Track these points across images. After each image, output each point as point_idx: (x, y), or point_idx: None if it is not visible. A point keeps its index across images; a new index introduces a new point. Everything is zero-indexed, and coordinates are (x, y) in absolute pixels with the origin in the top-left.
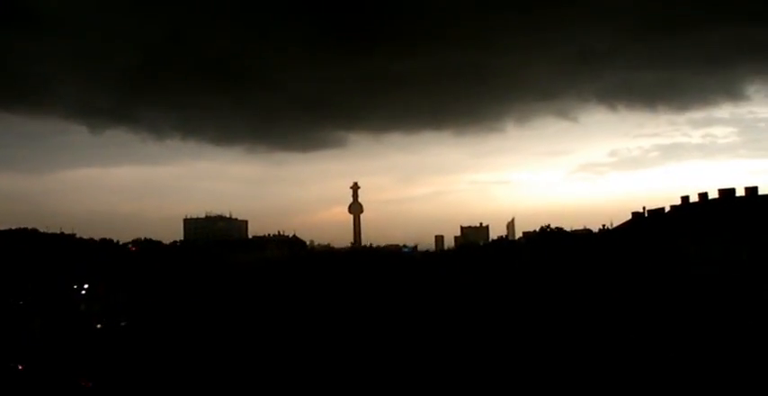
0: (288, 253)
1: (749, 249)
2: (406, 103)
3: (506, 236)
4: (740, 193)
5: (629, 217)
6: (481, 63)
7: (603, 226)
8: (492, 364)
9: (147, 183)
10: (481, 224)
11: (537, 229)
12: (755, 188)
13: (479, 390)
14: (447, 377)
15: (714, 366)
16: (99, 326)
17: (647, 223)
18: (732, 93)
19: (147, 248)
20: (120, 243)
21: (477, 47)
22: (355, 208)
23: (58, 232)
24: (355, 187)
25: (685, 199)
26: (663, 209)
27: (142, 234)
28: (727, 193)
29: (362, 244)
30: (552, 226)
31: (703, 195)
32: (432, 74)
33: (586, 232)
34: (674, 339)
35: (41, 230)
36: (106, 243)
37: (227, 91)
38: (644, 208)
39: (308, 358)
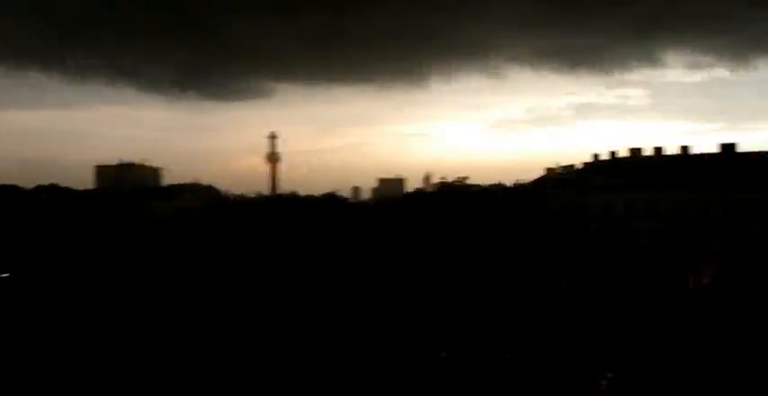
0: (202, 202)
1: (650, 206)
2: (337, 58)
3: (423, 188)
4: (648, 152)
5: (544, 172)
6: (416, 21)
7: (517, 181)
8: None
9: (61, 128)
10: (398, 176)
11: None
12: (660, 148)
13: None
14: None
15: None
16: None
17: (558, 179)
18: (649, 59)
19: (54, 195)
20: (27, 188)
21: (414, 6)
22: (272, 158)
23: None
24: (273, 137)
25: (596, 156)
26: (572, 165)
27: (52, 181)
28: (635, 153)
29: (279, 194)
30: (473, 180)
31: (613, 153)
32: (366, 30)
33: (500, 187)
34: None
35: None
36: (10, 189)
37: (157, 35)
38: (557, 164)
39: (224, 309)
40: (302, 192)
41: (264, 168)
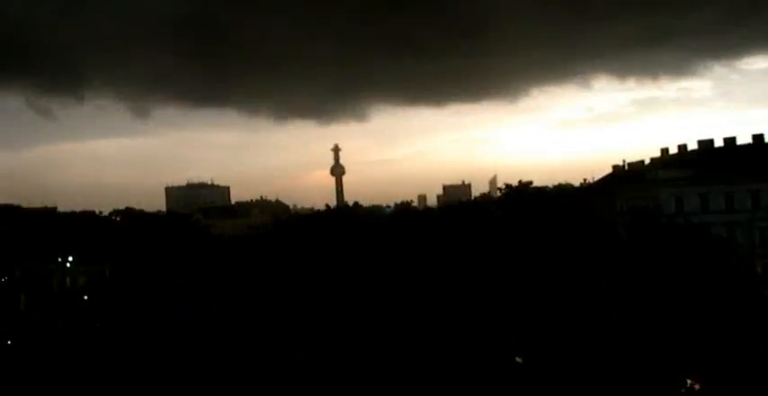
0: (271, 217)
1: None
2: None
3: (489, 192)
4: (719, 143)
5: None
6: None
7: (585, 180)
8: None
9: (130, 153)
10: (463, 182)
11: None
12: (733, 138)
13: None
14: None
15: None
16: (86, 297)
17: (625, 175)
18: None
19: (129, 218)
20: (103, 214)
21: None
22: (337, 170)
23: (40, 206)
24: (336, 149)
25: (665, 151)
26: (642, 161)
27: (125, 205)
28: (705, 144)
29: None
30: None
31: (683, 147)
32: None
33: (569, 186)
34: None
35: (24, 206)
36: (88, 215)
37: (196, 54)
38: (624, 161)
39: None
40: (368, 202)
41: (330, 181)
